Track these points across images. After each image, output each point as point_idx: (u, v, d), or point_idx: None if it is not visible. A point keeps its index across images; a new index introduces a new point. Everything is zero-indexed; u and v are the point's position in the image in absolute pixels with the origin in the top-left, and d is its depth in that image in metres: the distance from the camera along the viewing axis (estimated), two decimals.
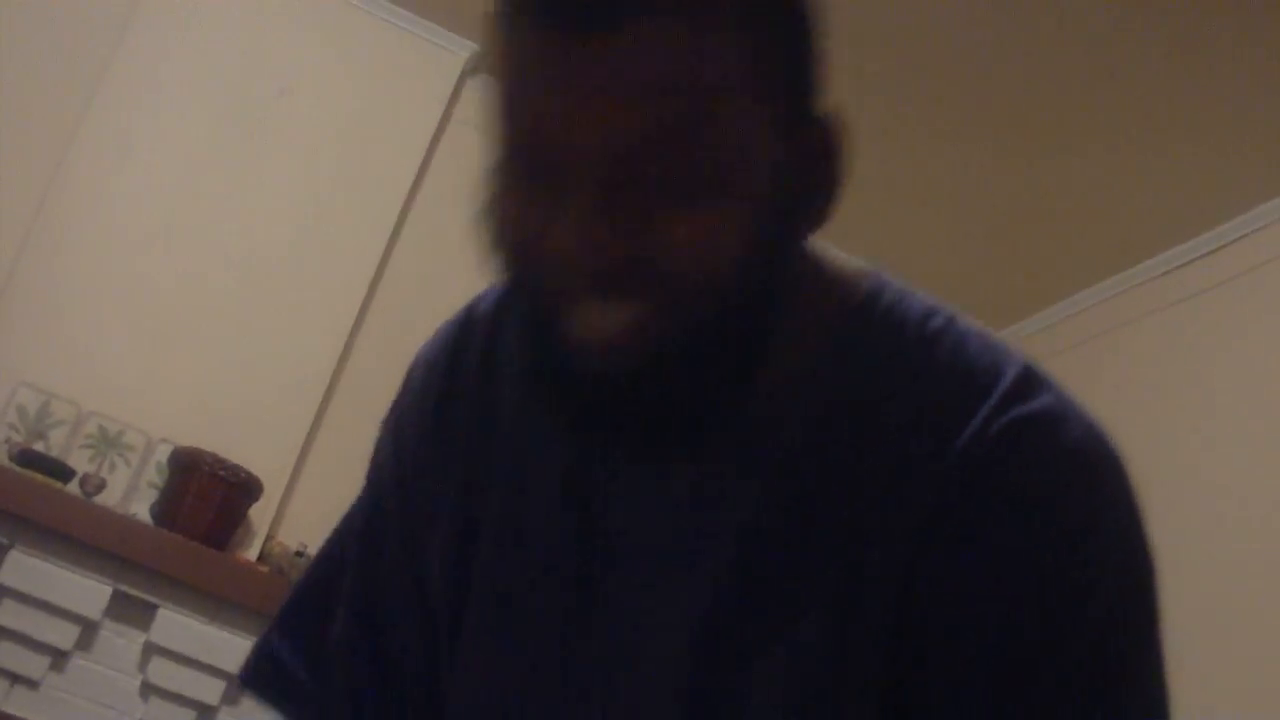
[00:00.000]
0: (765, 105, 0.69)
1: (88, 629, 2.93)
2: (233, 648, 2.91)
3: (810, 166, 0.72)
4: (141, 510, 3.12)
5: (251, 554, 3.22)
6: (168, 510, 3.04)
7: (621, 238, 0.66)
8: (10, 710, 2.87)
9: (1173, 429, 2.99)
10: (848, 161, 0.74)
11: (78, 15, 3.37)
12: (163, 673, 2.95)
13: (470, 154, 3.60)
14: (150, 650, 2.95)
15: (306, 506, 3.31)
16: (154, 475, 3.15)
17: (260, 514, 3.24)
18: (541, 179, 0.68)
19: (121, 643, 2.96)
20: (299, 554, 3.11)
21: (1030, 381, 0.73)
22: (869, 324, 0.76)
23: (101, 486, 3.07)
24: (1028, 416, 0.71)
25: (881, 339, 0.75)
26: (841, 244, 0.81)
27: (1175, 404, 3.08)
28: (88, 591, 2.90)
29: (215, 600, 2.98)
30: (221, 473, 3.04)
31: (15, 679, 2.90)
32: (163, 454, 3.14)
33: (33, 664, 2.90)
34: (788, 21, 0.71)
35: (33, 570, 2.88)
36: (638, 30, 0.64)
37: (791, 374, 0.75)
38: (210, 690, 2.95)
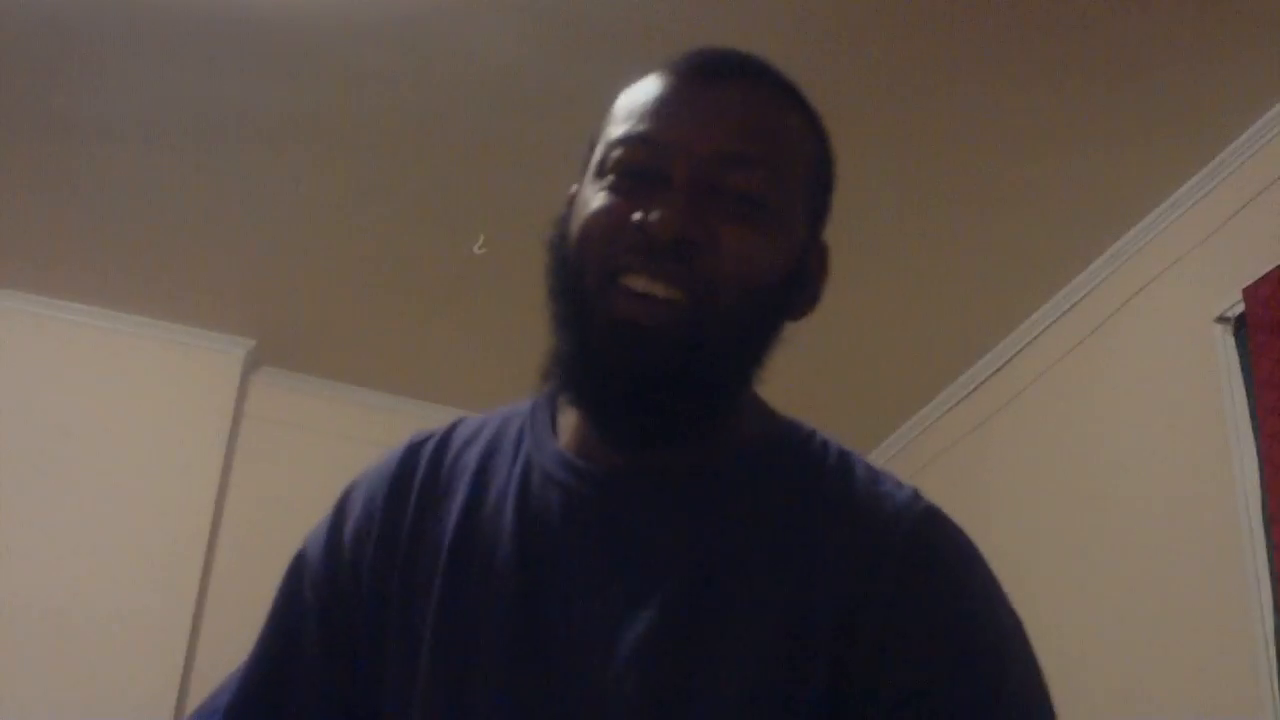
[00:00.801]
0: (808, 199, 0.94)
1: None
2: None
3: (814, 270, 0.96)
4: None
5: None
6: None
7: (692, 223, 0.87)
8: None
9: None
10: (821, 291, 0.96)
11: None
12: None
13: (268, 460, 3.54)
14: None
15: None
16: None
17: None
18: (646, 181, 0.89)
19: None
20: None
21: (918, 490, 0.94)
22: (798, 432, 0.98)
23: None
24: (933, 509, 0.92)
25: (809, 441, 0.97)
26: None
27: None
28: None
29: None
30: None
31: None
32: None
33: None
34: (828, 156, 0.97)
35: None
36: (747, 86, 0.93)
37: (744, 440, 0.94)
38: None
